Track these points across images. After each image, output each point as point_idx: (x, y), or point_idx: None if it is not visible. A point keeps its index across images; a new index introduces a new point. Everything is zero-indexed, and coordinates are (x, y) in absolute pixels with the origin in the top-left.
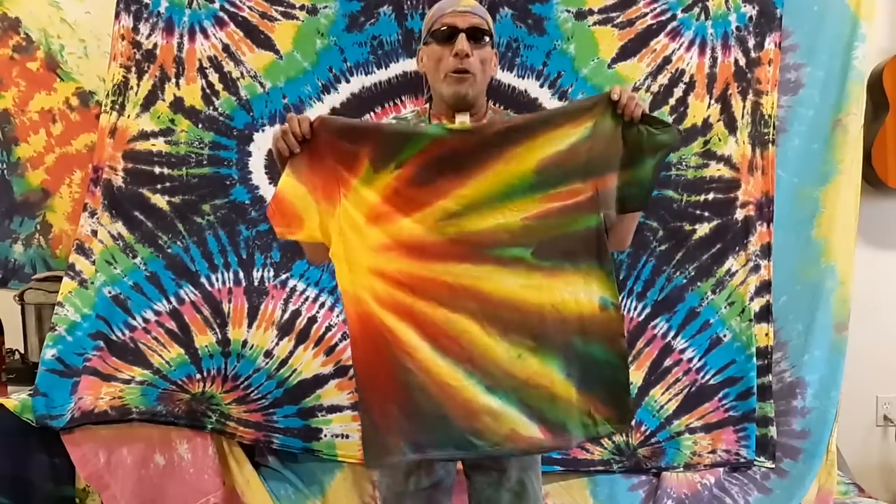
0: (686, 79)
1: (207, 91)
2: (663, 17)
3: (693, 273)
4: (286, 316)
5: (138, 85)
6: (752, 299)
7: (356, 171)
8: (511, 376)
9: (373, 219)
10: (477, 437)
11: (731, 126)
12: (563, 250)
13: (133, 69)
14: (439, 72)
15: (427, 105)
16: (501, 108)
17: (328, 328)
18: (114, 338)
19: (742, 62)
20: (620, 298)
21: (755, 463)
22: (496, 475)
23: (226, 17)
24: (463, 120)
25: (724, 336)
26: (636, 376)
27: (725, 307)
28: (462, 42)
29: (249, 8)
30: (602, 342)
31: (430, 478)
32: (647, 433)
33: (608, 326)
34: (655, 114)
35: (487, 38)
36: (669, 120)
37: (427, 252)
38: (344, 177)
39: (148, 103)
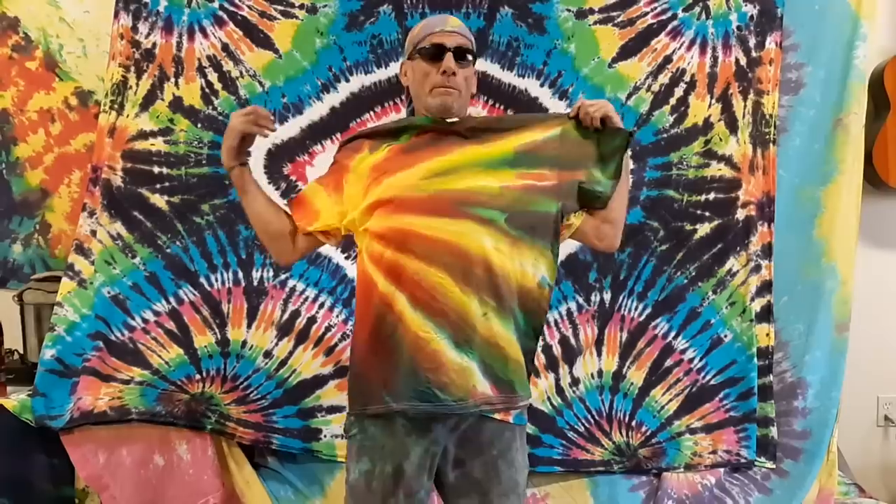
0: (687, 78)
1: (206, 90)
2: (664, 17)
3: (694, 273)
4: (286, 316)
5: (137, 84)
6: (752, 299)
7: (355, 158)
8: (477, 333)
9: (366, 187)
10: (442, 391)
11: (732, 126)
12: (528, 224)
13: (132, 68)
14: (425, 86)
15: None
16: None
17: (328, 328)
18: (113, 338)
19: (743, 62)
20: (620, 298)
21: (756, 463)
22: (476, 499)
23: (225, 17)
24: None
25: (725, 336)
26: (637, 376)
27: (726, 307)
28: (449, 60)
29: (249, 7)
30: (529, 314)
31: (408, 498)
32: (648, 433)
33: (538, 302)
34: (655, 114)
35: (470, 57)
36: (671, 119)
37: (408, 206)
38: (346, 165)
39: (147, 103)
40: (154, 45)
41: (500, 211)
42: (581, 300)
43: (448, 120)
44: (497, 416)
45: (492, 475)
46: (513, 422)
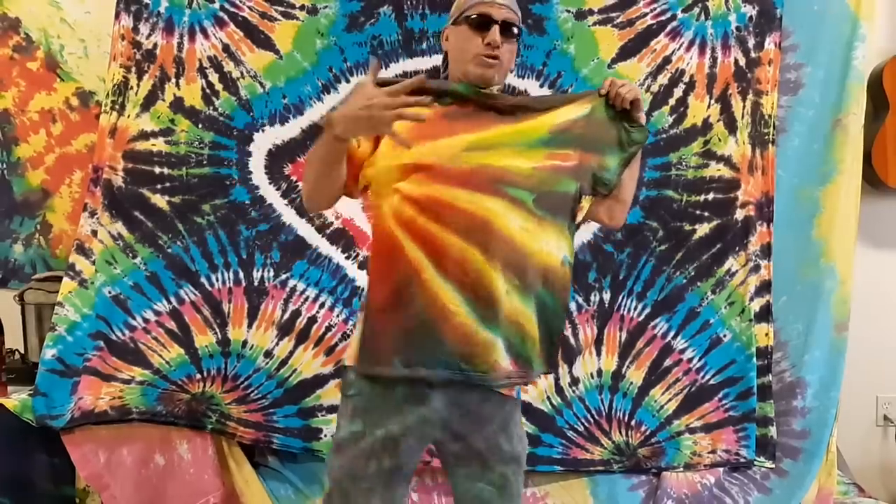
0: (686, 79)
1: (207, 91)
2: (663, 17)
3: (693, 273)
4: (286, 316)
5: (138, 85)
6: (752, 299)
7: None
8: (502, 310)
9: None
10: (466, 362)
11: (731, 126)
12: (552, 205)
13: (133, 69)
14: (468, 53)
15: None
16: None
17: (328, 328)
18: (114, 338)
19: (742, 62)
20: (620, 298)
21: (755, 463)
22: (477, 467)
23: (226, 17)
24: (490, 90)
25: (724, 336)
26: (636, 376)
27: (725, 307)
28: (496, 33)
29: (249, 8)
30: (555, 293)
31: (393, 460)
32: (647, 433)
33: (563, 280)
34: (655, 114)
35: (516, 31)
36: (670, 120)
37: (447, 176)
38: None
39: (148, 103)
40: (155, 45)
41: (529, 192)
42: (580, 300)
43: (485, 91)
44: (504, 390)
45: (493, 447)
46: (514, 395)
